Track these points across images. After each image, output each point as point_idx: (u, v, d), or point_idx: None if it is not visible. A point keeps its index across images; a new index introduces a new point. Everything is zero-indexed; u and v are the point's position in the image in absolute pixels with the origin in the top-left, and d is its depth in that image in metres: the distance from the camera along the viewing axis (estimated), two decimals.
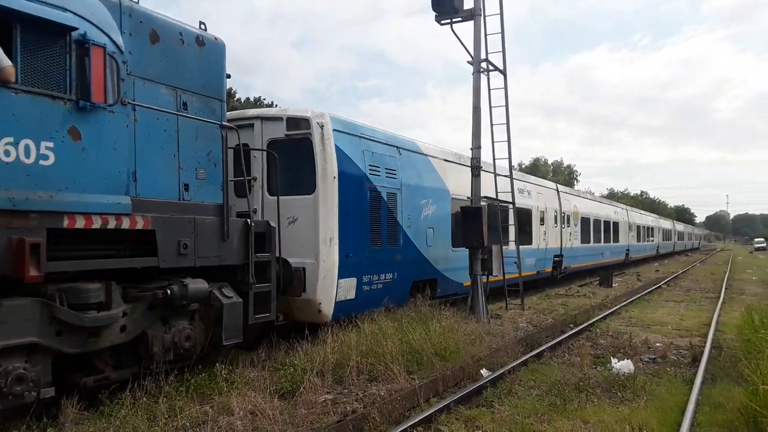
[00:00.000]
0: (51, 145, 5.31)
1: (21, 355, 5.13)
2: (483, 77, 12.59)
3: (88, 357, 5.93)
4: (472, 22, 12.29)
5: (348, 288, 9.70)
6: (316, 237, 9.12)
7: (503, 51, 12.89)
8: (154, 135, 6.46)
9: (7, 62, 4.95)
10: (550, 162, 63.90)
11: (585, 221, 25.18)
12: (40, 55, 5.31)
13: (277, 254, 7.93)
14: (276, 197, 8.28)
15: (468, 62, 12.41)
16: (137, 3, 6.45)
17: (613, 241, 30.36)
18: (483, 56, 12.47)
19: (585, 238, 25.08)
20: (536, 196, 19.32)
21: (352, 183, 9.85)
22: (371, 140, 10.70)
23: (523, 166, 59.81)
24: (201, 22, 7.30)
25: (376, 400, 6.31)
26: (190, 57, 7.03)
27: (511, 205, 14.22)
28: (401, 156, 11.55)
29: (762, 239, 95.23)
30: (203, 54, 7.21)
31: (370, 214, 10.39)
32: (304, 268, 8.94)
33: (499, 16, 12.68)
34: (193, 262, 6.69)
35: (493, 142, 13.69)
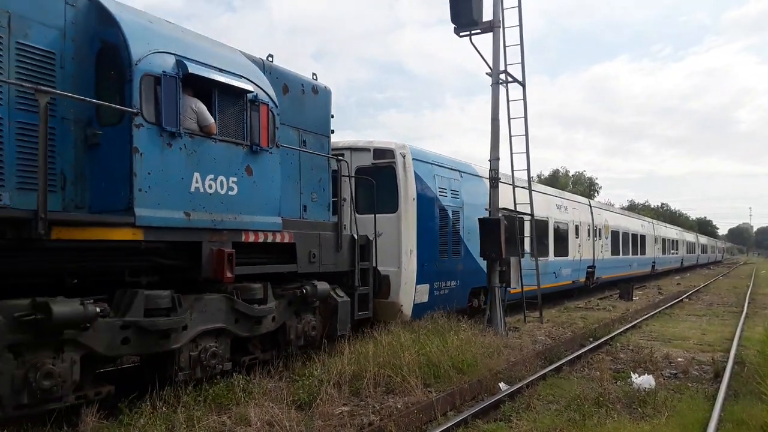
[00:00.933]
0: (235, 179, 7.13)
1: (212, 337, 6.91)
2: (502, 88, 12.60)
3: (246, 342, 7.63)
4: (490, 34, 12.32)
5: (423, 293, 11.55)
6: (399, 249, 11.06)
7: (522, 62, 12.90)
8: (287, 168, 8.39)
9: (211, 119, 6.78)
10: (570, 173, 63.41)
11: (615, 234, 26.52)
12: (229, 113, 7.12)
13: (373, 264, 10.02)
14: (362, 215, 10.47)
15: (487, 74, 12.43)
16: (272, 61, 8.60)
17: (641, 254, 31.71)
18: (502, 68, 12.48)
19: (615, 251, 26.43)
20: (572, 211, 20.86)
21: (426, 203, 11.87)
22: (440, 166, 12.75)
23: (543, 178, 59.39)
24: (314, 74, 9.41)
25: (393, 413, 6.29)
26: (308, 103, 9.15)
27: (528, 217, 14.33)
28: (462, 178, 13.53)
29: None
30: (317, 99, 9.36)
31: (440, 229, 12.38)
32: (388, 276, 10.79)
33: (518, 27, 12.69)
34: (318, 268, 8.70)
35: (511, 153, 13.64)
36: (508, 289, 12.95)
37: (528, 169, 13.66)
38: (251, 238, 7.41)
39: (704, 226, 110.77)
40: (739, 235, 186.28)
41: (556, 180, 57.28)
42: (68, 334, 5.33)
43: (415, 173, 11.43)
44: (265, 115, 7.53)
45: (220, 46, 7.75)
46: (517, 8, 12.69)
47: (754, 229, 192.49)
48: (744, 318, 15.56)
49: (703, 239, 72.62)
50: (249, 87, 7.32)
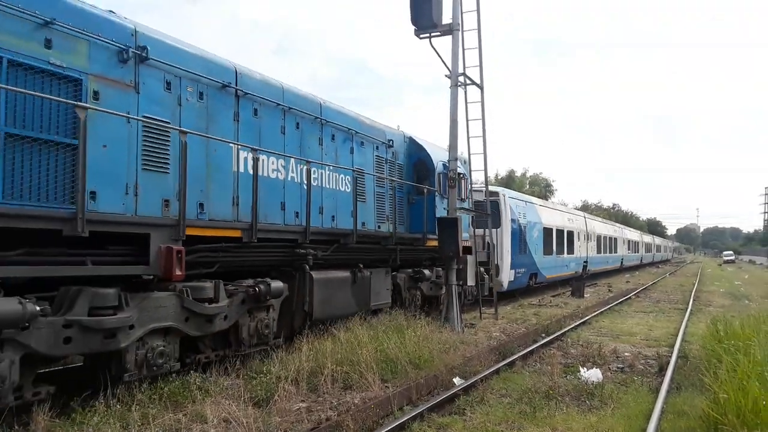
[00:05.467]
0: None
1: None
2: (460, 90, 12.82)
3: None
4: (450, 37, 12.51)
5: (511, 275, 19.50)
6: (502, 249, 18.95)
7: (480, 65, 13.15)
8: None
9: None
10: (528, 175, 64.60)
11: (599, 238, 35.82)
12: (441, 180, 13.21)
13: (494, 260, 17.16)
14: (478, 229, 15.35)
15: (446, 76, 12.61)
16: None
17: (614, 252, 41.31)
18: (461, 70, 12.70)
19: (599, 250, 35.84)
20: (576, 221, 30.70)
21: (514, 222, 20.07)
22: (518, 200, 21.96)
23: (500, 177, 60.36)
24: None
25: (350, 408, 6.37)
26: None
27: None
28: (526, 205, 22.73)
29: (731, 252, 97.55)
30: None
31: (518, 237, 20.49)
32: (498, 265, 17.96)
33: (476, 31, 12.95)
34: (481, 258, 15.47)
35: (469, 155, 13.95)
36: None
37: (485, 170, 13.97)
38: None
39: (654, 227, 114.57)
40: (686, 235, 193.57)
41: (512, 180, 58.25)
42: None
43: (510, 205, 19.86)
44: (463, 181, 13.72)
45: (443, 150, 13.33)
46: (476, 12, 12.97)
47: (701, 229, 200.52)
48: (688, 314, 16.24)
49: (657, 240, 77.42)
50: (461, 170, 13.44)
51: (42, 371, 6.38)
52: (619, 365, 9.41)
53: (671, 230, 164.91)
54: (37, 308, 5.45)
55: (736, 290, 27.02)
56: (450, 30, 12.37)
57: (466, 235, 13.57)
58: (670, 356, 9.66)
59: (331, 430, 5.53)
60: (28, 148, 5.73)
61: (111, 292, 6.19)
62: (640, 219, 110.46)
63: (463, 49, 12.78)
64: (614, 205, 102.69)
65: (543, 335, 11.92)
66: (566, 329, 12.72)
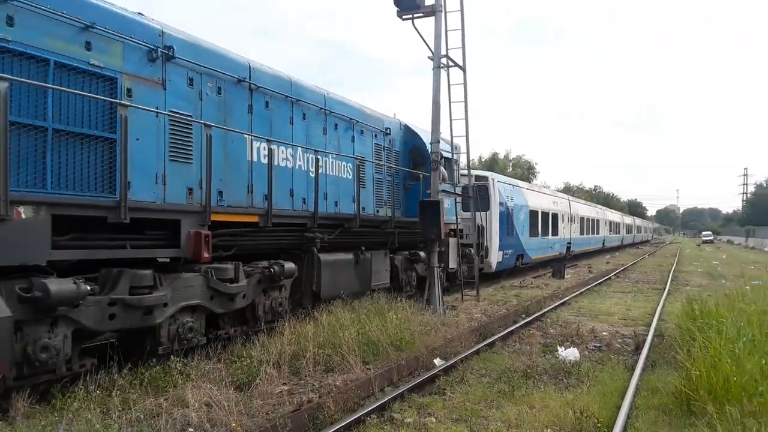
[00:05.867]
0: (448, 203, 13.91)
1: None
2: (443, 72, 12.79)
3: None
4: (433, 18, 12.45)
5: (499, 256, 20.13)
6: (491, 232, 19.33)
7: (463, 47, 13.09)
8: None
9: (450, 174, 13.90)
10: (510, 157, 64.91)
11: (581, 220, 36.61)
12: (445, 167, 13.47)
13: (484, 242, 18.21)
14: (468, 212, 16.12)
15: (429, 58, 12.57)
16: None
17: (596, 234, 42.05)
18: (443, 52, 12.66)
19: (582, 231, 36.68)
20: (560, 203, 31.38)
21: (501, 205, 20.66)
22: (505, 183, 22.62)
23: (483, 160, 60.57)
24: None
25: (331, 390, 6.43)
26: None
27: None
28: (513, 189, 23.09)
29: (709, 232, 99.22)
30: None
31: (506, 220, 20.99)
32: (487, 246, 18.68)
33: (459, 12, 12.87)
34: (468, 240, 16.05)
35: (452, 137, 13.94)
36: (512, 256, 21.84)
37: (468, 152, 14.00)
38: (451, 227, 13.92)
39: (634, 208, 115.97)
40: (666, 216, 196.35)
41: (495, 162, 58.49)
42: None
43: (497, 189, 20.37)
44: (454, 167, 14.33)
45: (447, 143, 13.57)
46: None
47: (680, 210, 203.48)
48: (666, 294, 16.55)
49: (637, 221, 78.36)
50: (452, 156, 14.01)
51: (85, 345, 6.80)
52: (596, 344, 9.58)
53: (651, 211, 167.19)
54: (88, 288, 6.01)
55: (713, 270, 27.50)
56: (433, 11, 12.32)
57: (452, 217, 14.04)
58: (647, 335, 9.85)
59: (313, 412, 5.57)
60: (72, 143, 6.25)
61: (148, 273, 6.77)
62: (621, 200, 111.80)
63: (446, 31, 12.74)
64: (596, 186, 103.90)
65: (523, 316, 12.07)
66: (546, 310, 12.90)
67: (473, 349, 8.66)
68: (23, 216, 5.65)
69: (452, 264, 12.96)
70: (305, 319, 8.84)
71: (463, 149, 14.11)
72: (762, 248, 54.64)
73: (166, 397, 6.15)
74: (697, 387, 5.38)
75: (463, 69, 13.12)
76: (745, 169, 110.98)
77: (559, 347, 8.69)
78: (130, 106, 6.66)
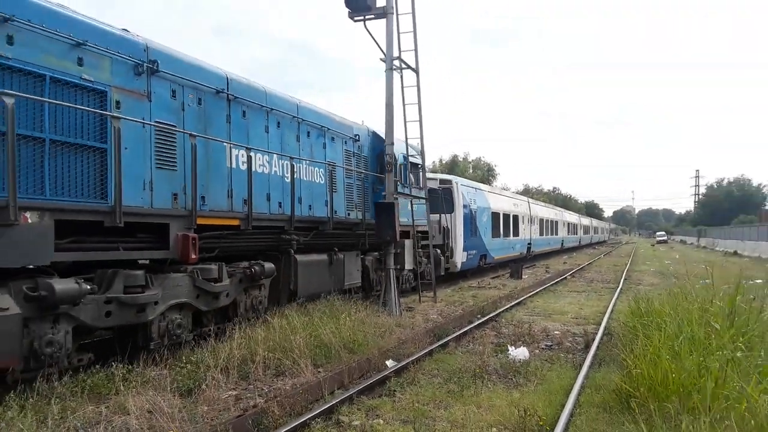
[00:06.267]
0: (415, 206, 14.84)
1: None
2: (396, 74, 12.83)
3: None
4: (385, 20, 12.47)
5: (464, 257, 20.79)
6: (456, 233, 20.11)
7: (416, 49, 13.16)
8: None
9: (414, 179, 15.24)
10: (469, 159, 65.56)
11: (541, 221, 38.06)
12: (411, 172, 14.86)
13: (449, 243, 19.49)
14: (434, 215, 17.37)
15: (381, 59, 12.58)
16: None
17: (555, 234, 43.78)
18: (396, 54, 12.69)
19: (542, 232, 38.00)
20: (521, 206, 32.61)
21: (465, 207, 21.51)
22: (468, 186, 23.46)
23: (444, 162, 61.04)
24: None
25: (278, 395, 6.35)
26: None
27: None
28: (476, 192, 24.16)
29: (663, 233, 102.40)
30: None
31: (469, 222, 21.88)
32: (452, 247, 19.62)
33: (411, 15, 12.93)
34: (434, 241, 17.28)
35: (406, 138, 14.01)
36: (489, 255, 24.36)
37: (422, 154, 14.05)
38: (418, 229, 15.02)
39: (591, 209, 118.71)
40: (622, 217, 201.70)
41: (455, 165, 59.01)
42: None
43: (461, 192, 21.27)
44: (420, 171, 15.31)
45: (412, 148, 14.54)
46: None
47: (636, 211, 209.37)
48: (618, 293, 16.93)
49: (594, 222, 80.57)
50: (418, 161, 15.10)
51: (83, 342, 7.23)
52: (547, 343, 9.73)
53: (608, 212, 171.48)
54: (88, 287, 6.50)
55: (665, 269, 28.26)
56: (384, 13, 12.34)
57: (422, 220, 15.14)
58: (596, 333, 10.05)
59: (257, 417, 5.48)
60: (67, 152, 6.68)
61: (140, 273, 7.30)
62: (579, 202, 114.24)
63: (399, 33, 12.79)
64: (554, 188, 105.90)
65: (478, 316, 12.18)
66: (501, 310, 13.05)
67: (426, 350, 8.67)
68: (30, 221, 6.14)
69: (408, 265, 13.00)
70: (257, 322, 8.73)
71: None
72: (713, 248, 56.61)
73: (107, 404, 5.98)
74: (638, 384, 5.50)
75: (416, 71, 13.18)
76: (697, 170, 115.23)
77: (509, 347, 8.79)
78: (122, 118, 7.12)
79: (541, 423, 5.37)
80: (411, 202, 14.36)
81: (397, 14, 12.64)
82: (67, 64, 6.75)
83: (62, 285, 6.17)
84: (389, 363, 7.88)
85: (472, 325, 10.94)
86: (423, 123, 13.52)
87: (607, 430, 5.31)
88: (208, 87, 8.94)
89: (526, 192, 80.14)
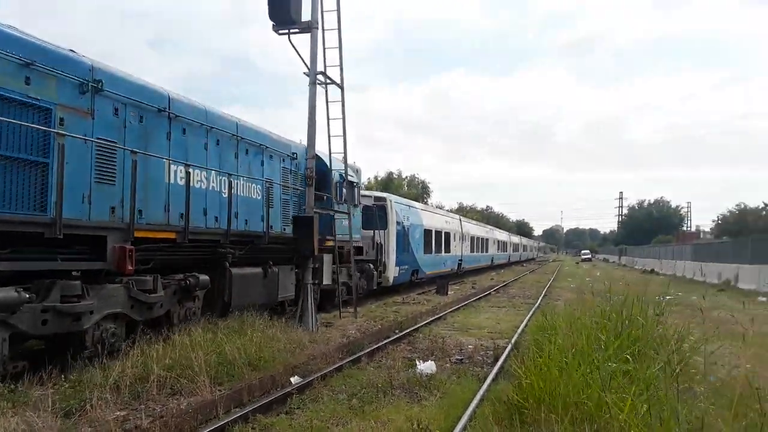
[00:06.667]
0: (346, 222, 14.73)
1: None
2: (321, 89, 12.80)
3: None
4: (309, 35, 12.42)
5: (397, 272, 21.66)
6: (389, 249, 20.98)
7: (341, 65, 13.15)
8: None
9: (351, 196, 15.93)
10: (404, 176, 66.34)
11: (473, 238, 39.51)
12: (347, 190, 15.22)
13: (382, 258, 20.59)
14: (368, 231, 19.40)
15: (305, 74, 12.51)
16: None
17: (485, 251, 45.25)
18: (321, 69, 12.66)
19: (472, 249, 39.53)
20: (452, 223, 33.85)
21: (398, 224, 22.42)
22: (402, 204, 24.41)
23: (379, 179, 61.43)
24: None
25: (163, 415, 6.06)
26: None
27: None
28: (409, 209, 25.06)
29: (587, 251, 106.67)
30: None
31: (402, 238, 22.88)
32: (385, 262, 20.46)
33: (337, 31, 12.95)
34: (367, 256, 19.33)
35: (330, 153, 13.95)
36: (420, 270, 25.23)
37: (345, 170, 14.02)
38: (348, 247, 14.95)
39: (522, 227, 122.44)
40: (551, 236, 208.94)
41: (390, 182, 59.50)
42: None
43: (395, 210, 22.08)
44: (355, 189, 16.37)
45: (348, 164, 14.70)
46: (336, 11, 12.98)
47: (564, 230, 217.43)
48: (535, 308, 17.38)
49: (524, 240, 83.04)
50: (354, 179, 16.16)
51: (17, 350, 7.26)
52: (459, 357, 9.81)
53: (538, 231, 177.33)
54: (26, 296, 6.74)
55: (585, 286, 29.35)
56: (309, 28, 12.28)
57: (357, 235, 16.32)
58: (507, 347, 10.23)
59: None
60: (10, 166, 6.98)
61: (77, 283, 7.52)
62: (511, 220, 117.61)
63: (324, 48, 12.78)
64: (487, 207, 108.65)
65: (396, 331, 12.16)
66: (420, 325, 13.10)
67: (335, 366, 8.55)
68: None
69: (326, 280, 12.87)
70: (156, 339, 8.36)
71: (337, 165, 14.19)
72: (633, 266, 59.40)
73: None
74: (527, 396, 5.59)
75: (341, 87, 13.19)
76: (621, 192, 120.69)
77: (417, 361, 8.79)
78: (67, 135, 7.47)
79: None
80: (350, 216, 14.60)
81: (323, 29, 12.63)
82: (15, 83, 7.07)
83: (1, 293, 6.43)
84: (294, 380, 7.70)
85: (388, 340, 10.91)
86: (347, 138, 13.52)
87: None
88: (150, 105, 9.25)
89: (461, 210, 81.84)
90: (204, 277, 9.94)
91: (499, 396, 6.93)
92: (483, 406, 6.59)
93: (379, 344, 10.45)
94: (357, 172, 17.39)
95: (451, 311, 16.33)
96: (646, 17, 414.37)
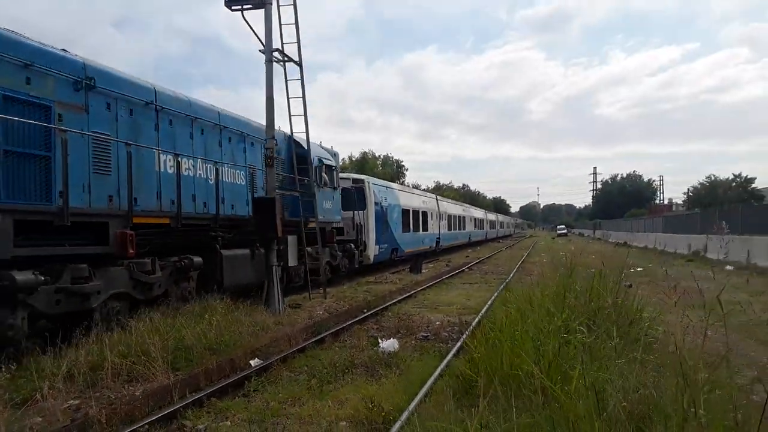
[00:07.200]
0: (330, 204, 16.98)
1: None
2: (279, 67, 12.54)
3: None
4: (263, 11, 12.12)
5: (377, 251, 22.39)
6: (368, 228, 21.56)
7: (298, 42, 12.94)
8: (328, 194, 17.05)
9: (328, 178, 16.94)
10: (378, 155, 66.12)
11: (449, 217, 40.39)
12: (326, 173, 16.60)
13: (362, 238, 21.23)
14: (347, 212, 19.93)
15: (260, 51, 12.24)
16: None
17: (462, 229, 46.05)
18: (277, 46, 12.39)
19: (450, 227, 40.34)
20: (429, 203, 34.66)
21: (377, 204, 22.97)
22: (380, 185, 24.92)
23: (354, 159, 61.15)
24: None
25: (114, 402, 5.94)
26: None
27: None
28: (387, 190, 25.63)
29: (563, 226, 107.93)
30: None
31: (382, 217, 23.50)
32: (365, 242, 21.15)
33: (293, 6, 12.67)
34: (348, 236, 20.32)
35: (291, 133, 13.77)
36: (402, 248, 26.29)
37: (308, 148, 13.84)
38: (334, 225, 17.23)
39: (499, 205, 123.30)
40: (528, 212, 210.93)
41: (365, 162, 59.32)
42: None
43: (373, 191, 22.71)
44: (334, 172, 17.10)
45: (325, 149, 17.28)
46: None
47: (541, 206, 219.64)
48: (506, 284, 17.46)
49: (500, 217, 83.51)
50: (333, 163, 17.17)
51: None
52: (424, 334, 9.80)
53: (515, 208, 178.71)
54: (42, 278, 7.48)
55: (558, 260, 29.63)
56: (262, 3, 11.98)
57: (336, 216, 17.40)
58: (472, 323, 10.25)
59: (85, 425, 5.08)
60: (18, 160, 7.62)
61: (84, 266, 8.28)
62: (487, 198, 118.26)
63: (280, 25, 12.51)
64: (464, 185, 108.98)
65: (365, 311, 12.12)
66: (389, 303, 13.10)
67: (298, 347, 8.49)
68: None
69: (291, 261, 12.76)
70: (113, 325, 8.23)
71: (343, 157, 14.03)
72: (606, 239, 60.27)
73: None
74: (479, 369, 5.58)
75: (299, 64, 12.95)
76: (594, 168, 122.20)
77: (380, 340, 8.77)
78: (68, 131, 8.09)
79: (383, 414, 5.33)
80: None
81: (278, 5, 12.34)
82: (16, 83, 7.66)
83: (22, 276, 7.14)
84: (254, 362, 7.62)
85: (354, 320, 10.87)
86: (308, 116, 13.34)
87: (447, 417, 5.34)
88: (138, 99, 9.89)
89: (438, 189, 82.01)
90: (197, 259, 10.67)
91: (458, 371, 6.96)
92: (441, 382, 6.59)
93: (345, 324, 10.41)
94: (335, 155, 18.33)
95: (422, 289, 16.35)
96: None
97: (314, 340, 9.03)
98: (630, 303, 8.46)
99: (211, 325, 8.55)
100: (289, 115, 13.16)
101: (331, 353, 8.45)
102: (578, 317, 6.59)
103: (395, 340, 8.59)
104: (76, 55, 8.91)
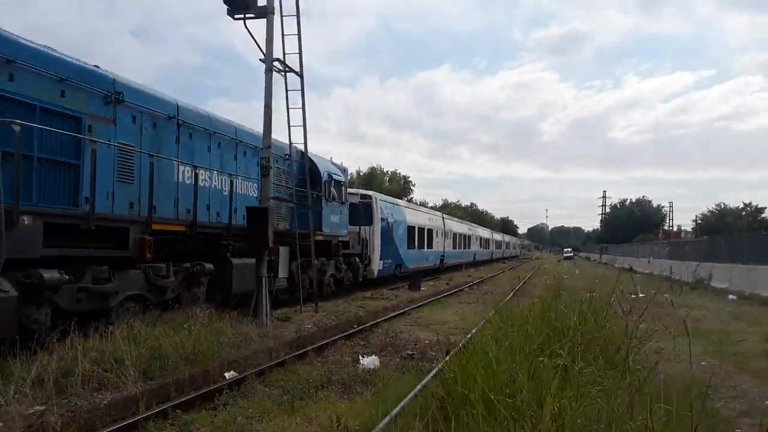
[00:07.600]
0: (339, 216, 18.19)
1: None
2: (279, 77, 12.52)
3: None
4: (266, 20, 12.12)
5: (381, 265, 22.92)
6: (373, 243, 22.26)
7: (300, 53, 12.93)
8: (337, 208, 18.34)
9: (337, 193, 18.20)
10: (386, 170, 66.13)
11: (455, 235, 40.91)
12: (335, 187, 17.69)
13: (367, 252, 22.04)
14: (354, 226, 20.60)
15: (261, 60, 12.22)
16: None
17: (467, 248, 46.37)
18: (279, 56, 12.38)
19: (455, 246, 40.84)
20: (435, 220, 35.25)
21: (383, 220, 23.49)
22: (386, 202, 25.53)
23: (362, 174, 61.15)
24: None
25: (75, 410, 5.79)
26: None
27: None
28: (393, 206, 26.31)
29: (570, 249, 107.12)
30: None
31: (387, 233, 24.03)
32: (370, 256, 21.62)
33: (296, 17, 12.69)
34: (353, 250, 20.79)
35: (290, 143, 13.71)
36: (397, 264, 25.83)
37: (306, 159, 13.76)
38: (340, 239, 18.00)
39: (507, 225, 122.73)
40: (536, 234, 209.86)
41: (373, 177, 59.27)
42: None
43: (380, 207, 23.42)
44: (342, 187, 18.16)
45: (335, 165, 18.49)
46: None
47: (549, 228, 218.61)
48: (503, 304, 17.18)
49: (506, 237, 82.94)
50: (342, 179, 18.19)
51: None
52: (410, 352, 9.60)
53: (523, 229, 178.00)
54: (66, 277, 7.97)
55: (560, 283, 29.26)
56: (264, 13, 11.99)
57: (343, 231, 18.34)
58: (459, 343, 10.01)
59: None
60: (50, 167, 8.16)
61: (105, 268, 8.83)
62: (495, 218, 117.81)
63: (283, 35, 12.51)
64: (472, 204, 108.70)
65: (355, 326, 11.94)
66: (380, 320, 12.90)
67: (278, 361, 8.32)
68: (26, 223, 7.49)
69: (282, 273, 12.61)
70: (92, 331, 8.09)
71: (351, 171, 14.02)
72: (612, 264, 59.62)
73: None
74: (449, 390, 5.39)
75: (300, 75, 12.93)
76: (604, 191, 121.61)
77: (360, 356, 8.57)
78: (97, 141, 8.66)
79: None
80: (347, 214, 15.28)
81: (282, 15, 12.37)
82: (52, 97, 8.23)
83: (49, 274, 7.61)
84: (229, 375, 7.45)
85: (342, 335, 10.68)
86: (307, 127, 13.31)
87: None
88: (162, 113, 10.51)
89: (445, 207, 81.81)
90: (209, 266, 11.16)
91: (435, 391, 6.75)
92: (416, 402, 6.38)
93: (331, 339, 10.22)
94: (344, 171, 19.19)
95: (416, 306, 16.14)
96: (630, 16, 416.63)
97: (295, 354, 8.85)
98: (622, 329, 8.24)
99: (190, 334, 8.38)
100: (288, 126, 13.18)
101: (311, 369, 8.26)
102: (561, 339, 6.37)
103: (376, 357, 8.40)
104: (106, 70, 9.51)
